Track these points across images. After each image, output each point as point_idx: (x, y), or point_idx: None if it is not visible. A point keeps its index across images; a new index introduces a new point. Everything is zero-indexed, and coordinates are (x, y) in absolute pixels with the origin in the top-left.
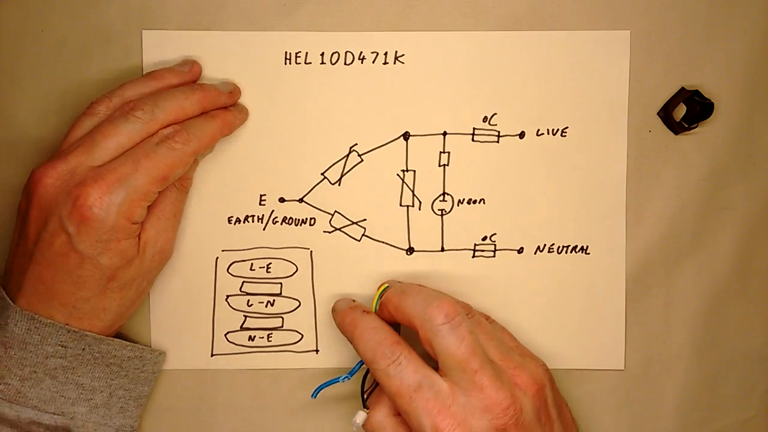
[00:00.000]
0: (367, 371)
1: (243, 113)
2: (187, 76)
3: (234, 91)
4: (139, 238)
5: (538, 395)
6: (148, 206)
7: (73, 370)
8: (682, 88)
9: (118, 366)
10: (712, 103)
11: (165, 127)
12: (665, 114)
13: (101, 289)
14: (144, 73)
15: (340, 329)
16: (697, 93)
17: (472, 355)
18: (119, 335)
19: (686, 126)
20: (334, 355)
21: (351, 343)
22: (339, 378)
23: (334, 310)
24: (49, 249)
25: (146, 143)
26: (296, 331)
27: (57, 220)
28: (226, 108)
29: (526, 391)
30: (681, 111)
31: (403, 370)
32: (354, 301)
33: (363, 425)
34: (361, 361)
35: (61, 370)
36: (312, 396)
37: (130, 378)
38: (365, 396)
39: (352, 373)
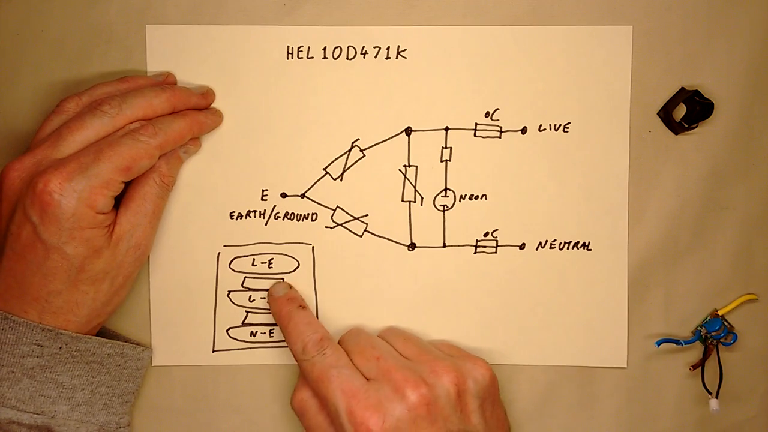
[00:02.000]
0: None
1: (216, 116)
2: (160, 83)
3: (207, 93)
4: (112, 231)
5: (455, 384)
6: (127, 201)
7: (51, 369)
8: (682, 88)
9: (98, 363)
10: (712, 103)
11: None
12: (665, 114)
13: (71, 281)
14: (148, 69)
15: (274, 316)
16: (697, 93)
17: (370, 347)
18: (114, 334)
19: (686, 126)
20: None
21: (283, 332)
22: (682, 342)
23: (270, 294)
24: (17, 241)
25: (111, 136)
26: None
27: (21, 210)
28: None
29: (440, 378)
30: (681, 111)
31: (326, 359)
32: (291, 287)
33: (291, 403)
34: (698, 331)
35: (39, 369)
36: None
37: (112, 375)
38: None
39: (694, 340)
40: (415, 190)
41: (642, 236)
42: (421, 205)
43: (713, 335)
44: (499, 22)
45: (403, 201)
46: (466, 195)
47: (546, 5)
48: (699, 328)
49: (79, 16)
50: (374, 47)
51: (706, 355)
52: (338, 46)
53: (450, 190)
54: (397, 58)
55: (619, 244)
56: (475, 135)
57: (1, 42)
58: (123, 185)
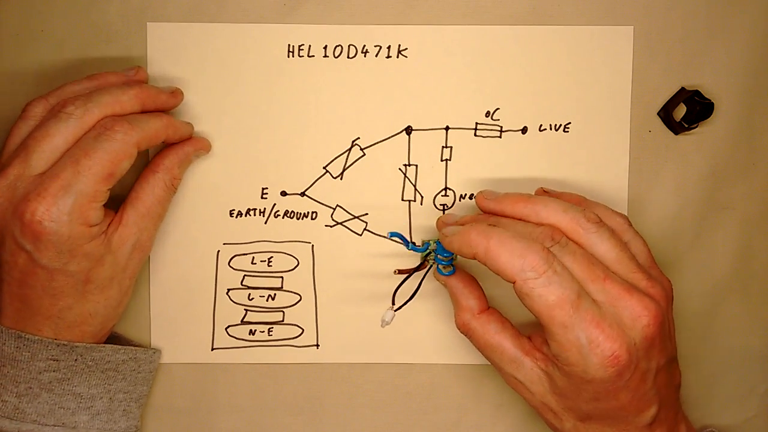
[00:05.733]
0: (422, 262)
1: (188, 126)
2: (131, 80)
3: (176, 92)
4: (110, 236)
5: (668, 309)
6: (135, 203)
7: (68, 381)
8: (682, 88)
9: (114, 371)
10: (712, 103)
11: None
12: (665, 114)
13: (80, 294)
14: (149, 67)
15: (464, 249)
16: (697, 93)
17: (591, 265)
18: (116, 335)
19: (686, 126)
20: (334, 350)
21: (486, 256)
22: (412, 245)
23: (446, 235)
24: (14, 269)
25: (84, 140)
26: (297, 326)
27: (12, 240)
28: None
29: (660, 303)
30: (681, 111)
31: (562, 278)
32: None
33: (458, 327)
34: (427, 243)
35: (57, 383)
36: (389, 235)
37: (128, 380)
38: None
39: (422, 250)
40: (415, 190)
41: (642, 236)
42: (421, 204)
43: (437, 257)
44: (500, 22)
45: (403, 200)
46: (466, 194)
47: (546, 5)
48: (431, 241)
49: (79, 15)
50: (375, 46)
51: (419, 267)
52: (339, 45)
53: (450, 189)
54: (397, 57)
55: None
56: (475, 134)
57: (1, 42)
58: (109, 192)
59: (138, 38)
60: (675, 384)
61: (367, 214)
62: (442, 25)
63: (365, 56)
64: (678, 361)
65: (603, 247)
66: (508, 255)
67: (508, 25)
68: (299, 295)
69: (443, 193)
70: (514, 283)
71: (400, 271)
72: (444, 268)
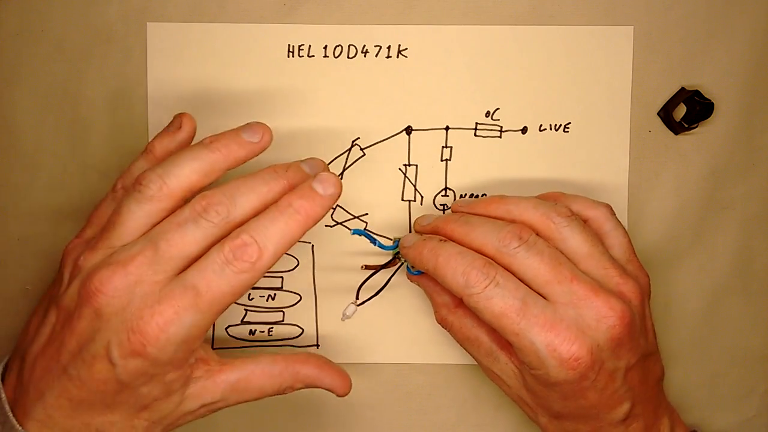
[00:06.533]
0: (392, 259)
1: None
2: (257, 147)
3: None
4: (190, 376)
5: (641, 305)
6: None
7: None
8: (682, 88)
9: None
10: (712, 103)
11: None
12: (665, 114)
13: (131, 415)
14: (148, 68)
15: (416, 263)
16: (697, 93)
17: (558, 265)
18: None
19: (686, 126)
20: (334, 350)
21: (435, 273)
22: (379, 243)
23: (403, 246)
24: (87, 370)
25: (208, 266)
26: (297, 326)
27: (104, 344)
28: (303, 194)
29: (632, 300)
30: (681, 111)
31: (503, 289)
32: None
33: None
34: (397, 241)
35: None
36: (352, 232)
37: None
38: (359, 290)
39: (392, 248)
40: (415, 190)
41: (642, 236)
42: (421, 204)
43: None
44: (500, 22)
45: (403, 200)
46: (465, 194)
47: (546, 5)
48: (401, 238)
49: (79, 16)
50: (375, 46)
51: (388, 265)
52: (339, 45)
53: (450, 189)
54: (397, 57)
55: None
56: (475, 134)
57: (1, 42)
58: None
59: (138, 38)
60: (654, 378)
61: (367, 214)
62: (442, 25)
63: (365, 56)
64: (659, 354)
65: (575, 241)
66: (452, 273)
67: (508, 25)
68: (299, 295)
69: (443, 193)
70: (462, 298)
71: (367, 267)
72: (412, 267)
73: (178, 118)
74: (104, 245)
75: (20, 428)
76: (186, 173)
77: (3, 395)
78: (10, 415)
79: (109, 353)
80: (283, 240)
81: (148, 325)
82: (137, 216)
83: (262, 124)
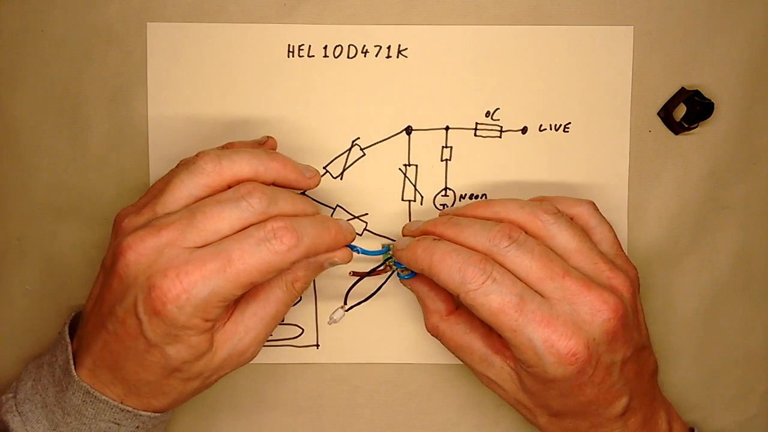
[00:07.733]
0: (380, 265)
1: (349, 233)
2: (303, 181)
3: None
4: (215, 331)
5: (632, 298)
6: (247, 299)
7: None
8: (682, 88)
9: None
10: (712, 103)
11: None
12: (665, 114)
13: (165, 375)
14: (148, 67)
15: (411, 264)
16: (697, 93)
17: (549, 262)
18: None
19: (686, 126)
20: (334, 350)
21: (430, 272)
22: (361, 250)
23: (397, 249)
24: (121, 326)
25: (245, 239)
26: (297, 326)
27: (132, 301)
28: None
29: (624, 293)
30: (681, 111)
31: (500, 285)
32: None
33: (428, 330)
34: (387, 247)
35: None
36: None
37: None
38: (347, 295)
39: (374, 253)
40: (415, 190)
41: (642, 236)
42: (421, 204)
43: (395, 261)
44: (500, 22)
45: (403, 200)
46: (466, 194)
47: (546, 5)
48: (390, 244)
49: (79, 16)
50: (375, 46)
51: (375, 271)
52: (339, 45)
53: (450, 189)
54: (397, 57)
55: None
56: (475, 134)
57: (1, 42)
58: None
59: (138, 38)
60: (648, 372)
61: (367, 214)
62: (442, 25)
63: (365, 56)
64: (651, 347)
65: (563, 237)
66: (448, 270)
67: (508, 25)
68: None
69: (443, 193)
70: (458, 296)
71: (354, 273)
72: (402, 271)
73: (267, 137)
74: (149, 211)
75: (75, 374)
76: (242, 163)
77: (69, 345)
78: (71, 361)
79: (136, 309)
80: (315, 242)
81: (172, 282)
82: (185, 186)
83: (317, 170)
